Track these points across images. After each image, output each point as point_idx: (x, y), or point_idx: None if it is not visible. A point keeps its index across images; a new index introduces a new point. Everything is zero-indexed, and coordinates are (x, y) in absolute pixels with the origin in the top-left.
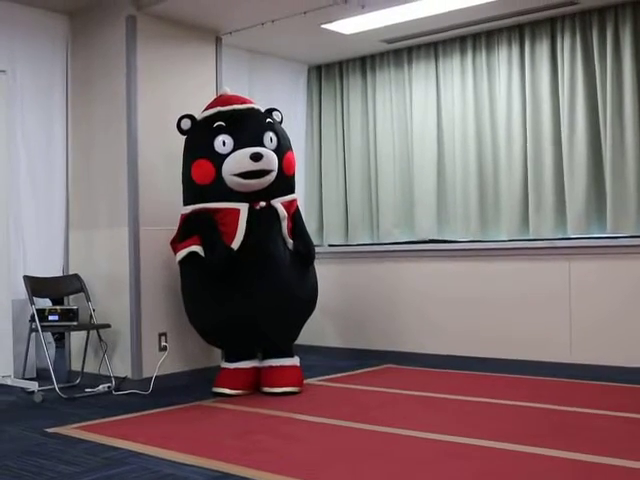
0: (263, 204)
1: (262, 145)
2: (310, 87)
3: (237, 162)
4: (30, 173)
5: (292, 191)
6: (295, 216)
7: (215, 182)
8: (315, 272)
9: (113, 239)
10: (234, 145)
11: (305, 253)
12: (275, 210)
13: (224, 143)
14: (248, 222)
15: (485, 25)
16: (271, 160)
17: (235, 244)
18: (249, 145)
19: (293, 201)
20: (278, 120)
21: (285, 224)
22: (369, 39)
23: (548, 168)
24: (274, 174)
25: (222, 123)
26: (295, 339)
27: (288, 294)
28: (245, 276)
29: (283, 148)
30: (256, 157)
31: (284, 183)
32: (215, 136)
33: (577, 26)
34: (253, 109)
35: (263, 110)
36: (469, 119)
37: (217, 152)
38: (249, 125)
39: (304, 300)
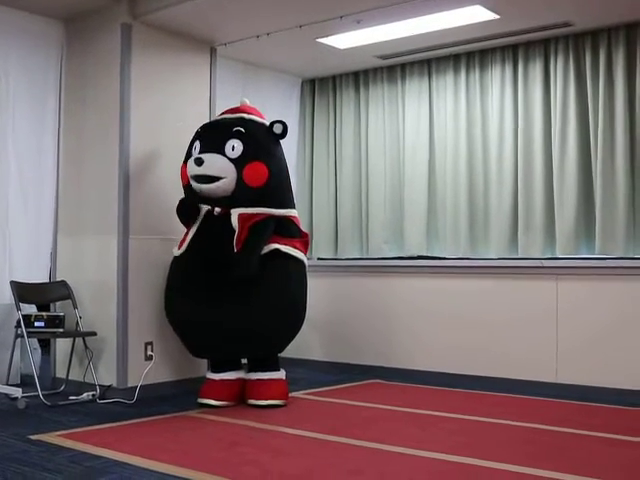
0: (218, 210)
1: (221, 152)
2: (303, 100)
3: (189, 166)
4: (20, 179)
5: (259, 204)
6: (252, 229)
7: (188, 185)
8: (293, 281)
9: (102, 247)
10: (199, 151)
11: (231, 270)
12: (229, 219)
13: (195, 148)
14: (200, 224)
15: (479, 44)
16: (213, 166)
17: (184, 244)
18: (209, 151)
19: (256, 215)
20: (278, 132)
21: (236, 234)
22: (363, 54)
23: (538, 187)
24: (225, 181)
25: (199, 130)
26: (273, 351)
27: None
28: (192, 279)
29: (247, 158)
30: (198, 162)
31: (245, 194)
32: (194, 141)
33: (570, 48)
34: (238, 119)
35: (251, 121)
36: (461, 137)
37: (192, 156)
38: (216, 132)
39: (251, 311)
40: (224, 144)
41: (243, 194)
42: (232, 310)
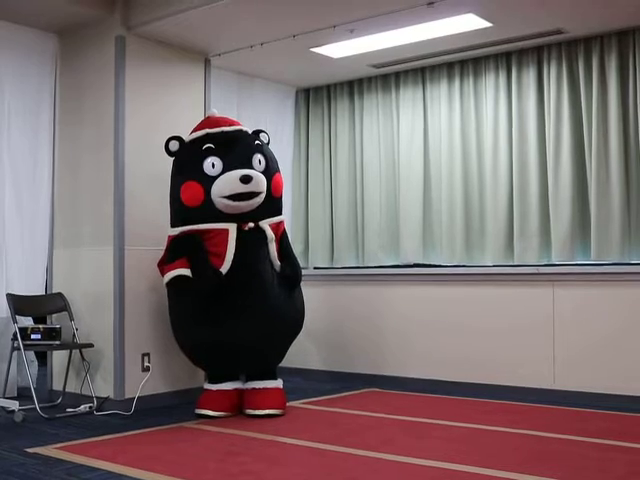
0: (252, 225)
1: (251, 167)
2: (298, 110)
3: (226, 184)
4: (15, 191)
5: (279, 213)
6: (282, 238)
7: (204, 204)
8: (302, 294)
9: (98, 258)
10: (223, 167)
11: (292, 276)
12: (263, 232)
13: (213, 165)
14: (237, 242)
15: (473, 52)
16: (260, 182)
17: (226, 264)
18: (238, 167)
19: (280, 223)
20: (265, 141)
21: (273, 246)
22: (357, 63)
23: (533, 194)
24: (263, 196)
25: (211, 145)
26: (280, 361)
27: (275, 317)
28: (233, 298)
29: (271, 170)
30: (246, 179)
31: (272, 205)
32: (204, 158)
33: (563, 55)
34: (241, 131)
35: (250, 132)
36: (456, 145)
37: (206, 174)
38: (238, 147)
39: (290, 322)
40: (251, 159)
41: (271, 205)
42: (257, 322)
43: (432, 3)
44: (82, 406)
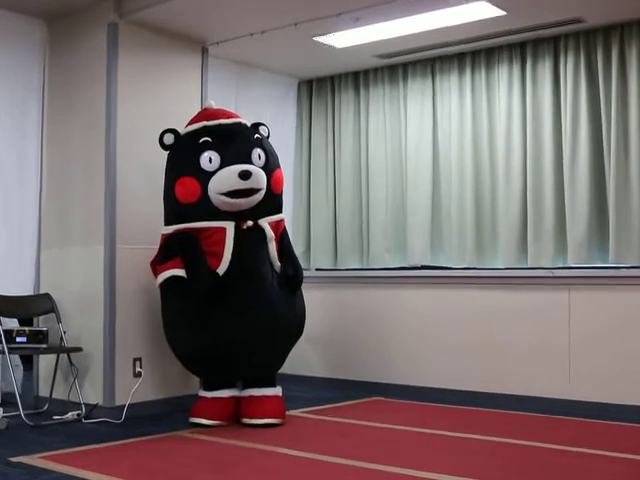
0: (250, 223)
1: (250, 162)
2: (300, 102)
3: (225, 180)
4: (0, 186)
5: (280, 210)
6: (282, 237)
7: (200, 201)
8: (303, 296)
9: (88, 257)
10: (221, 162)
11: (293, 276)
12: (263, 230)
13: (210, 160)
14: (235, 242)
15: (485, 42)
16: (260, 178)
17: (223, 264)
18: (237, 162)
19: (280, 221)
20: (265, 135)
21: (273, 245)
22: (362, 54)
23: (548, 193)
24: (262, 193)
25: (208, 139)
26: (280, 367)
27: (275, 320)
28: (230, 300)
29: (271, 165)
30: (245, 175)
31: (272, 202)
32: (201, 152)
33: (581, 45)
34: (240, 124)
35: (249, 125)
36: (466, 140)
37: (203, 169)
38: (237, 141)
39: (291, 326)
40: (250, 154)
41: (271, 202)
42: (256, 325)
43: None
44: (70, 413)
